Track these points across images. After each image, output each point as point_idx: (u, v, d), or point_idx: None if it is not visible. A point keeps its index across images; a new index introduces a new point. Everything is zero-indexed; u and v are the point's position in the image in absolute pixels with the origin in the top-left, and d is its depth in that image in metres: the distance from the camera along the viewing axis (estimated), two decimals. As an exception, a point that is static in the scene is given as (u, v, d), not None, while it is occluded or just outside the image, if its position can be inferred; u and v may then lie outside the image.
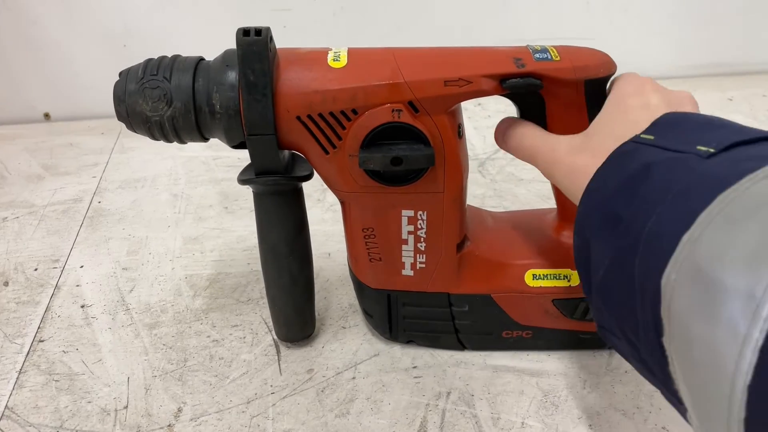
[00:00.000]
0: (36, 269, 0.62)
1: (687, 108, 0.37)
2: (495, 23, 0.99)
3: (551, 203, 0.72)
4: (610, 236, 0.31)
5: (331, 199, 0.72)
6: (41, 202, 0.74)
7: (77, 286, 0.60)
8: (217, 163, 0.82)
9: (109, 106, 0.98)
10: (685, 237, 0.25)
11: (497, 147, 0.84)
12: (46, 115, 0.98)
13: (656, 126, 0.34)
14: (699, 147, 0.29)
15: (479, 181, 0.76)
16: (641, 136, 0.33)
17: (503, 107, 0.94)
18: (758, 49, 1.07)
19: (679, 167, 0.29)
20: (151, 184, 0.77)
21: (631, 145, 0.33)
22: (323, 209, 0.71)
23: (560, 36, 0.99)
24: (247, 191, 0.67)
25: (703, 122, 0.33)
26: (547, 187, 0.74)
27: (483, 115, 0.92)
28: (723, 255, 0.23)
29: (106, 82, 0.99)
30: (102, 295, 0.58)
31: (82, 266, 0.62)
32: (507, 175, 0.77)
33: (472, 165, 0.78)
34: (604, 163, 0.34)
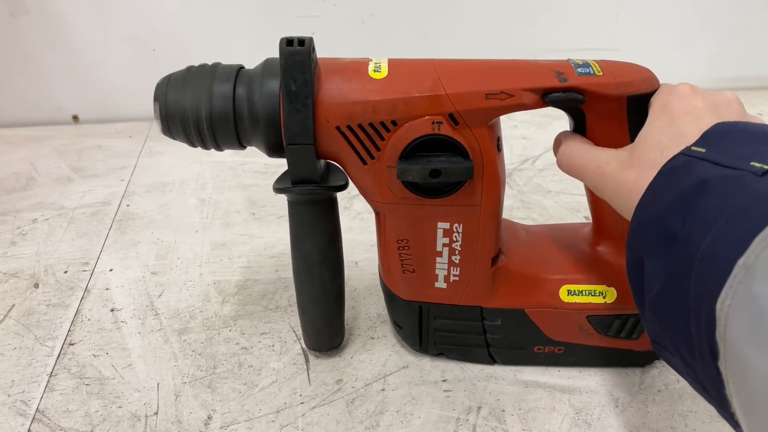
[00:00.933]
0: (66, 271, 0.62)
1: (733, 109, 0.36)
2: (523, 32, 0.99)
3: (580, 215, 0.72)
4: (664, 254, 0.31)
5: (359, 207, 0.72)
6: (70, 204, 0.74)
7: (107, 289, 0.60)
8: (244, 169, 0.82)
9: (137, 109, 0.99)
10: (740, 261, 0.24)
11: (524, 158, 0.84)
12: (75, 117, 0.99)
13: (707, 138, 0.33)
14: (753, 163, 0.28)
15: (506, 192, 0.75)
16: (692, 148, 0.33)
17: (529, 117, 0.94)
18: (789, 63, 1.05)
19: (734, 186, 0.28)
20: (179, 188, 0.78)
21: (682, 159, 0.33)
22: (350, 217, 0.71)
23: (588, 46, 0.99)
24: (275, 197, 0.67)
25: (755, 134, 0.32)
26: (575, 200, 0.74)
27: (510, 125, 0.92)
28: None
29: (135, 85, 1.00)
30: (131, 299, 0.58)
31: (111, 269, 0.63)
32: (534, 187, 0.77)
33: (500, 176, 0.78)
34: (656, 177, 0.33)
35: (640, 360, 0.50)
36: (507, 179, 0.78)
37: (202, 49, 0.95)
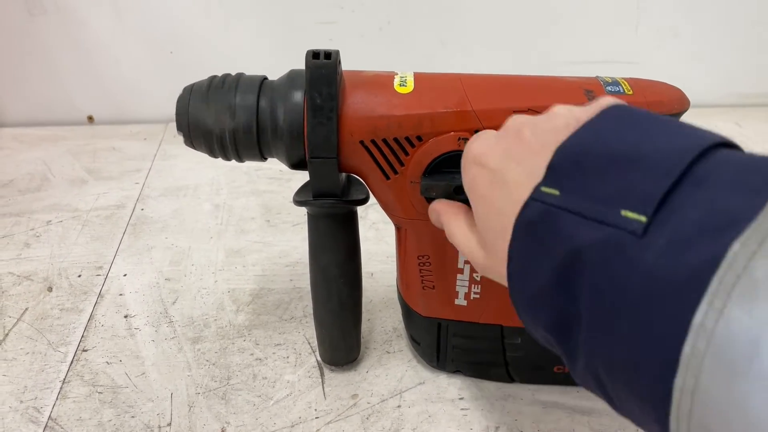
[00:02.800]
0: (80, 275, 0.62)
1: (524, 136, 0.30)
2: (542, 42, 0.98)
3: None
4: (569, 339, 0.25)
5: (374, 217, 0.72)
6: (85, 206, 0.74)
7: (120, 294, 0.59)
8: (259, 175, 0.81)
9: (153, 111, 0.99)
10: (677, 385, 0.19)
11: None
12: (90, 118, 0.99)
13: (555, 173, 0.26)
14: (625, 213, 0.23)
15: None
16: (542, 189, 0.26)
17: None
18: (811, 79, 1.04)
19: (616, 262, 0.22)
20: (193, 193, 0.77)
21: (536, 208, 0.26)
22: (366, 227, 0.70)
23: (607, 58, 0.98)
24: (290, 204, 0.66)
25: (606, 156, 0.25)
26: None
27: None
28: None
29: (151, 87, 1.00)
30: (145, 305, 0.58)
31: (125, 275, 0.62)
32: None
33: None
34: (512, 242, 0.27)
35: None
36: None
37: (218, 52, 0.94)
